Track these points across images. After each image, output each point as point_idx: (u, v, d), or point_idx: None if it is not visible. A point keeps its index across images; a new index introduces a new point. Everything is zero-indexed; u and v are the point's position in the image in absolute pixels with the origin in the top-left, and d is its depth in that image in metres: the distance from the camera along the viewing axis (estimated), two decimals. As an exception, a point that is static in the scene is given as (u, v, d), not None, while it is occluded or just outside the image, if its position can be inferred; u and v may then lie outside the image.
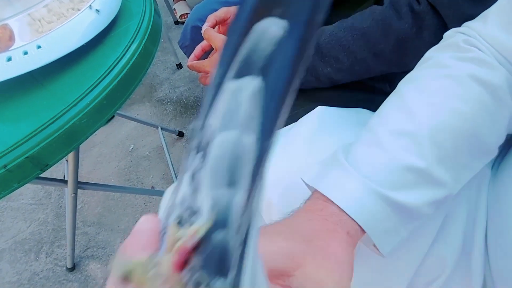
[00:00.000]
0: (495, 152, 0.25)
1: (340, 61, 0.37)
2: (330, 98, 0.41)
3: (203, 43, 0.58)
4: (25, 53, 0.38)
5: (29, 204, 1.09)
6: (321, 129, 0.34)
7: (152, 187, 1.06)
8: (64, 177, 1.04)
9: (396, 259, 0.28)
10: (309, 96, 0.43)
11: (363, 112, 0.36)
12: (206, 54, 0.60)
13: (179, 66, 1.45)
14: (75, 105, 0.39)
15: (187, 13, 1.61)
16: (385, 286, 0.30)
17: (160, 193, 0.92)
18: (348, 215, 0.22)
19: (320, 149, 0.31)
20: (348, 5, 0.49)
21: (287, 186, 0.31)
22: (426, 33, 0.31)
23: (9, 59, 0.38)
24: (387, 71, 0.36)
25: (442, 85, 0.25)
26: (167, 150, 1.06)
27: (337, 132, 0.34)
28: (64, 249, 0.96)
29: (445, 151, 0.23)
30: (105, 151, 1.17)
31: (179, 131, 1.17)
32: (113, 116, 1.19)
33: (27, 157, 0.36)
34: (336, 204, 0.22)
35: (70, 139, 0.39)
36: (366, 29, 0.34)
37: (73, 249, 0.87)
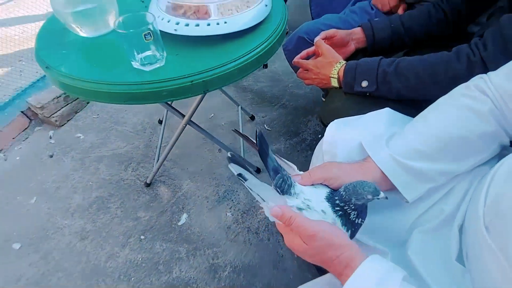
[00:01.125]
0: (483, 152, 0.41)
1: (409, 81, 0.55)
2: (391, 105, 0.59)
3: (310, 49, 0.80)
4: (217, 23, 0.64)
5: (129, 131, 1.42)
6: (382, 121, 0.53)
7: (219, 150, 1.31)
8: (162, 121, 1.34)
9: (405, 208, 0.45)
10: (379, 101, 0.62)
11: (406, 118, 0.54)
12: (308, 56, 0.81)
13: (265, 66, 1.72)
14: (234, 60, 0.63)
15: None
16: (394, 225, 0.47)
17: (225, 157, 1.16)
18: (377, 166, 0.42)
19: (376, 131, 0.50)
20: (429, 48, 0.67)
21: (350, 149, 0.50)
22: (474, 75, 0.48)
23: (208, 24, 0.64)
24: (438, 97, 0.53)
25: (448, 110, 0.43)
26: (242, 125, 1.30)
27: (390, 125, 0.52)
28: (145, 170, 1.25)
29: (438, 147, 0.41)
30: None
31: (252, 115, 1.42)
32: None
33: (203, 81, 0.60)
34: (373, 162, 0.42)
35: (225, 80, 0.63)
36: (434, 64, 0.52)
37: (155, 171, 1.15)
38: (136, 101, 0.63)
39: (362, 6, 0.97)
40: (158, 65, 0.62)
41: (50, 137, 1.40)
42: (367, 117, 0.54)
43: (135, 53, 0.60)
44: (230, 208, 1.11)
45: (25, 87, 1.46)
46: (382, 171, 0.43)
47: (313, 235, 0.34)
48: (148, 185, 1.18)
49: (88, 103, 1.56)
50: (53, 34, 0.74)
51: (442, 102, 0.45)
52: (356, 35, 0.78)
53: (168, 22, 0.66)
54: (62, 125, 1.46)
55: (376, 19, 0.79)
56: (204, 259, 0.98)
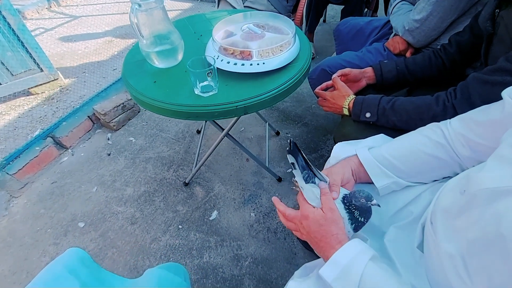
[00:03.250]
0: (435, 171, 0.58)
1: (402, 116, 0.73)
2: (388, 133, 0.76)
3: (329, 82, 0.99)
4: (258, 64, 0.86)
5: (171, 137, 1.67)
6: (377, 143, 0.71)
7: (247, 159, 1.51)
8: (200, 131, 1.58)
9: (385, 205, 0.62)
10: (379, 129, 0.79)
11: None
12: (327, 88, 1.00)
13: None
14: (268, 91, 0.84)
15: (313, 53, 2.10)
16: (375, 221, 0.63)
17: (252, 166, 1.36)
18: (358, 158, 0.59)
19: (366, 145, 0.68)
20: (430, 85, 0.85)
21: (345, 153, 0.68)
22: (448, 116, 0.64)
23: (251, 64, 0.86)
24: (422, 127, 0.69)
25: (414, 135, 0.60)
26: (268, 139, 1.50)
27: (381, 143, 0.70)
28: (184, 172, 1.47)
29: (399, 157, 0.58)
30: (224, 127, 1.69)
31: (277, 131, 1.61)
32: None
33: (245, 106, 0.81)
34: (357, 156, 0.60)
35: (260, 106, 0.84)
36: (420, 105, 0.69)
37: (194, 173, 1.38)
38: (195, 118, 0.85)
39: (377, 47, 1.15)
40: (212, 93, 0.84)
41: (108, 139, 1.69)
42: (365, 140, 0.72)
43: (197, 83, 0.82)
44: (253, 210, 1.29)
45: (91, 96, 1.77)
46: (360, 162, 0.61)
47: (333, 209, 0.52)
48: (186, 184, 1.40)
49: (139, 111, 1.85)
50: (134, 63, 1.00)
51: (413, 131, 0.62)
52: (367, 74, 0.97)
53: (222, 61, 0.88)
54: (118, 129, 1.74)
55: (386, 61, 0.96)
56: (230, 250, 1.17)
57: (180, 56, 0.95)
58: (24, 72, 1.92)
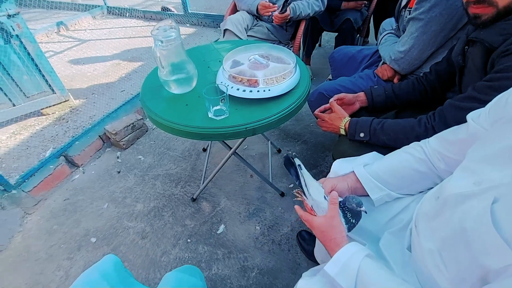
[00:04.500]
0: (419, 183, 0.68)
1: (390, 136, 0.84)
2: (378, 150, 0.86)
3: (326, 105, 1.11)
4: (264, 90, 0.97)
5: (178, 155, 1.77)
6: (369, 160, 0.81)
7: (251, 175, 1.60)
8: (206, 148, 1.68)
9: (380, 214, 0.71)
10: (372, 147, 0.90)
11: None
12: (325, 110, 1.12)
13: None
14: (274, 115, 0.95)
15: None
16: (371, 228, 0.72)
17: (256, 182, 1.46)
18: (356, 176, 0.70)
19: (362, 163, 0.78)
20: (415, 107, 0.97)
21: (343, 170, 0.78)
22: (429, 136, 0.75)
23: (258, 91, 0.98)
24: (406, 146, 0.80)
25: (399, 153, 0.70)
26: (270, 156, 1.61)
27: (373, 160, 0.80)
28: (191, 188, 1.56)
29: (388, 172, 0.68)
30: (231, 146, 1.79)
31: (279, 148, 1.72)
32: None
33: (253, 128, 0.92)
34: (355, 174, 0.70)
35: (267, 128, 0.95)
36: (405, 126, 0.81)
37: (202, 189, 1.46)
38: (208, 139, 0.95)
39: (368, 73, 1.28)
40: (224, 116, 0.95)
41: (118, 157, 1.78)
42: (360, 157, 0.83)
43: (211, 107, 0.93)
44: (258, 223, 1.37)
45: (102, 116, 1.87)
46: (357, 178, 0.70)
47: (334, 216, 0.61)
48: (194, 200, 1.48)
49: (147, 131, 1.95)
50: (152, 89, 1.11)
51: (399, 150, 0.73)
52: (360, 98, 1.09)
53: (232, 88, 1.00)
54: (127, 148, 1.84)
55: (376, 86, 1.09)
56: (237, 261, 1.24)
57: (194, 83, 1.06)
58: (37, 94, 2.03)
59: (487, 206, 0.41)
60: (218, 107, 0.95)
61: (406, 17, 1.15)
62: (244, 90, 0.99)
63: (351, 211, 0.64)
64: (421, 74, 1.06)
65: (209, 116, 0.95)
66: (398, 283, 0.50)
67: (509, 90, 0.52)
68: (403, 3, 1.23)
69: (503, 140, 0.46)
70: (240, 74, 1.03)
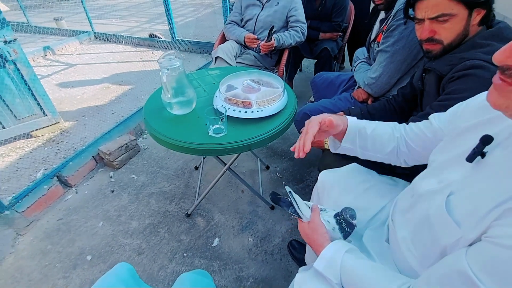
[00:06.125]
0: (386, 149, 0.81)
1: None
2: (358, 161, 1.00)
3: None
4: (257, 111, 1.11)
5: (171, 174, 1.83)
6: (350, 168, 0.94)
7: (242, 191, 1.70)
8: (198, 166, 1.77)
9: (362, 215, 0.83)
10: (352, 158, 1.03)
11: (365, 169, 0.95)
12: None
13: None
14: (267, 132, 1.08)
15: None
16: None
17: (247, 196, 1.55)
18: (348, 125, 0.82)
19: (346, 175, 0.91)
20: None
21: (331, 184, 0.90)
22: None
23: (252, 111, 1.11)
24: (383, 159, 0.95)
25: (381, 124, 0.84)
26: (260, 172, 1.72)
27: (356, 170, 0.93)
28: (185, 204, 1.62)
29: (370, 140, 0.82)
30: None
31: (267, 165, 1.84)
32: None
33: (249, 144, 1.04)
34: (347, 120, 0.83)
35: (261, 144, 1.07)
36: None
37: (196, 205, 1.53)
38: (208, 154, 1.06)
39: (346, 96, 1.46)
40: (223, 134, 1.06)
41: (111, 177, 1.82)
42: (342, 168, 0.96)
43: (211, 126, 1.05)
44: (251, 235, 1.45)
45: (96, 138, 1.93)
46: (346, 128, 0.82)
47: (314, 221, 0.72)
48: (188, 215, 1.54)
49: (139, 151, 2.01)
50: (153, 110, 1.21)
51: (387, 123, 0.85)
52: (340, 117, 1.24)
53: (228, 109, 1.12)
54: (120, 168, 1.88)
55: (353, 107, 1.25)
56: (232, 272, 1.30)
57: (193, 105, 1.18)
58: (28, 117, 2.06)
59: (444, 198, 0.54)
60: (217, 126, 1.06)
61: (375, 49, 1.35)
62: (239, 111, 1.11)
63: (346, 221, 0.74)
64: (390, 96, 1.24)
65: (209, 134, 1.06)
66: (374, 266, 0.61)
67: (463, 102, 0.67)
68: (372, 37, 1.44)
69: (455, 149, 0.60)
70: (235, 97, 1.16)
